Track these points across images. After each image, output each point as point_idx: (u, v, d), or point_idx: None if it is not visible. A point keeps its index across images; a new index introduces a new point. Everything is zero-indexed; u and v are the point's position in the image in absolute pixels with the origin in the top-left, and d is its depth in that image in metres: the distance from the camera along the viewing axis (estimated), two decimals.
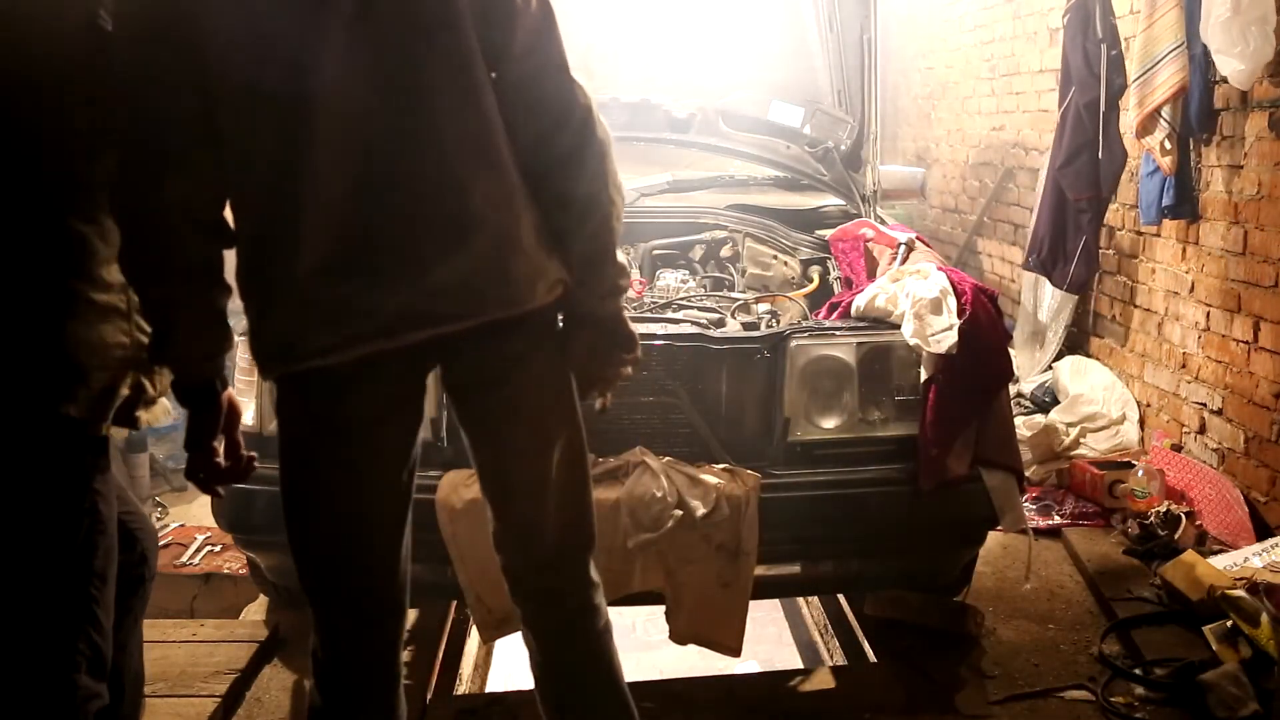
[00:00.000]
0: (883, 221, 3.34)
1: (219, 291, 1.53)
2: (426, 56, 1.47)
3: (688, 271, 3.31)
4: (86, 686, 1.61)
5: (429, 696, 2.61)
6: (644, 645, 3.50)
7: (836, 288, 3.08)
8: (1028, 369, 4.74)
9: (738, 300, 3.00)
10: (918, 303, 2.49)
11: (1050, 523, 3.56)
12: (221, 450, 1.63)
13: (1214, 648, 2.61)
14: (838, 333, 2.54)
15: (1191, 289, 3.77)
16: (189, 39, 1.41)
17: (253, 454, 1.67)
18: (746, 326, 2.76)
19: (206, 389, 1.56)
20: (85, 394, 1.60)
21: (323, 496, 1.59)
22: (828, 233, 3.31)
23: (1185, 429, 3.81)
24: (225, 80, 1.42)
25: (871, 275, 2.95)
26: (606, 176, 1.61)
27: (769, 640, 3.75)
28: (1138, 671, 2.58)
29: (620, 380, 1.75)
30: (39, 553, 1.61)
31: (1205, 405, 3.67)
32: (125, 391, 1.65)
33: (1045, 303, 4.78)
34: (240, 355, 2.53)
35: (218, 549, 3.29)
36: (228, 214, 1.54)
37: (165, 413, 1.78)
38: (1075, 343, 4.71)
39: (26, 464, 1.61)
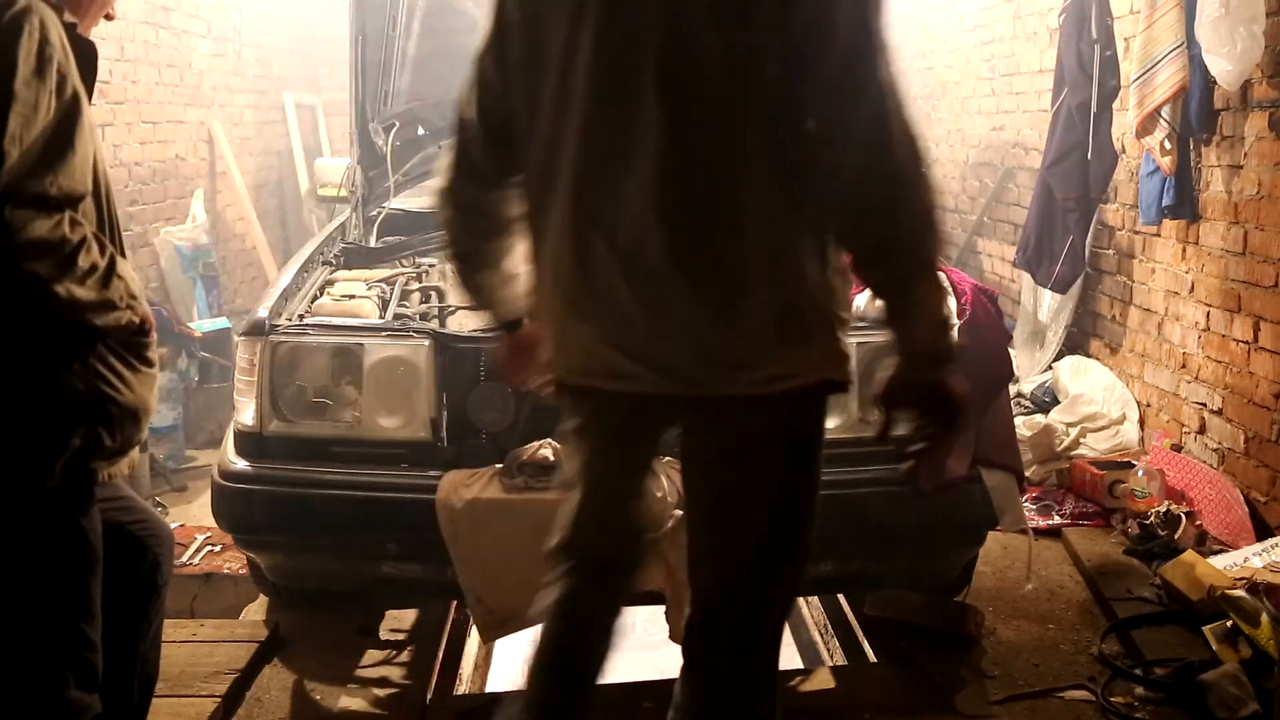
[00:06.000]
0: None
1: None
2: (743, 148, 1.41)
3: None
4: (77, 699, 1.67)
5: (429, 697, 2.60)
6: (644, 645, 3.48)
7: None
8: (1028, 369, 4.74)
9: None
10: None
11: (1050, 523, 3.56)
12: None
13: (1214, 648, 2.61)
14: None
15: (1191, 289, 3.77)
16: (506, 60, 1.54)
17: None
18: None
19: (513, 323, 1.76)
20: (24, 441, 1.57)
21: (592, 475, 1.69)
22: None
23: (1185, 429, 3.81)
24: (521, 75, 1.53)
25: None
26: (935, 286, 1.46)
27: None
28: (1138, 671, 2.58)
29: (933, 448, 1.50)
30: (21, 587, 1.64)
31: (1205, 405, 3.67)
32: (76, 443, 1.60)
33: (1045, 303, 4.78)
34: (239, 355, 2.53)
35: (218, 549, 3.29)
36: None
37: (131, 466, 1.75)
38: (1075, 343, 4.71)
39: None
